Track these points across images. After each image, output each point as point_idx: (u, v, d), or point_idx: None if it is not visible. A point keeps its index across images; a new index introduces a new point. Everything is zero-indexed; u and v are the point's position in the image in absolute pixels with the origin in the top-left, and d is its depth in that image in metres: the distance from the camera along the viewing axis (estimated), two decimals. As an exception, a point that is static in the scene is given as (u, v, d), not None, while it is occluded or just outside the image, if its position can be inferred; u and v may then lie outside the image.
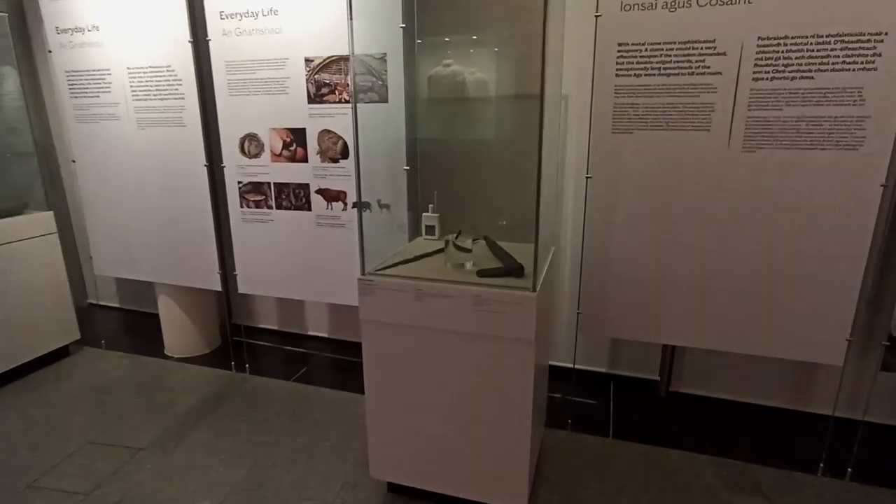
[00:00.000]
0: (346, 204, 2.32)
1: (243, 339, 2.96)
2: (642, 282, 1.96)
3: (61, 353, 2.88)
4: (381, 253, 1.84)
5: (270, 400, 2.48)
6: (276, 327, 3.25)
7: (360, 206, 1.74)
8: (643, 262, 1.94)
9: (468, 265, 1.68)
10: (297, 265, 2.47)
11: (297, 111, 2.29)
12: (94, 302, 3.70)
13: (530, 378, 1.50)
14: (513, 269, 1.57)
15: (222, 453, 2.09)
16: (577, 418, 2.30)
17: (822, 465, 1.98)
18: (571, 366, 2.46)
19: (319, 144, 2.29)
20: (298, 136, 2.31)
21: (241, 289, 2.60)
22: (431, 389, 1.62)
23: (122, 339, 3.20)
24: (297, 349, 3.03)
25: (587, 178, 1.95)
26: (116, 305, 3.67)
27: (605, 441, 2.17)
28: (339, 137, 2.25)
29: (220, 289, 2.63)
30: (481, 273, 1.59)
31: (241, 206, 2.49)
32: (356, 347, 2.39)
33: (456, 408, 1.61)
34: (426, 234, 2.06)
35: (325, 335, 3.15)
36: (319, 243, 2.40)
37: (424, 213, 2.05)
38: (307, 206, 2.38)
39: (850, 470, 1.96)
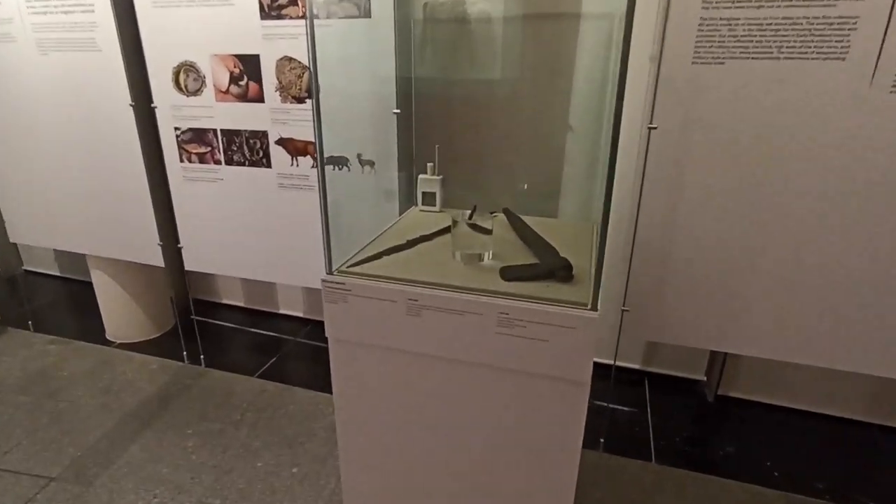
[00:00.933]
0: (316, 159, 1.76)
1: (201, 319, 2.45)
2: (717, 275, 1.44)
3: (-26, 339, 2.37)
4: (360, 234, 1.30)
5: (228, 404, 2.00)
6: (241, 303, 2.74)
7: (323, 162, 1.19)
8: (721, 249, 1.42)
9: (486, 257, 1.14)
10: (254, 237, 1.92)
11: (248, 31, 1.67)
12: (32, 269, 3.16)
13: (578, 436, 1.00)
14: (557, 269, 1.04)
15: (158, 485, 1.62)
16: (611, 433, 1.84)
17: (929, 507, 1.56)
18: (602, 362, 1.99)
19: (279, 78, 1.69)
20: (250, 65, 1.71)
21: (188, 265, 2.06)
22: (430, 441, 1.12)
23: (56, 317, 2.68)
24: (265, 332, 2.53)
25: (650, 128, 1.38)
26: (56, 274, 3.12)
27: (647, 467, 1.72)
28: (305, 68, 1.66)
29: (162, 264, 2.09)
30: (509, 274, 1.05)
31: (181, 160, 1.91)
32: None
33: (466, 468, 1.12)
34: (423, 203, 1.51)
35: (300, 314, 2.64)
36: (283, 210, 1.85)
37: (421, 176, 1.49)
38: (265, 162, 1.81)
39: (964, 514, 1.53)
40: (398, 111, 1.64)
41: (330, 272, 1.09)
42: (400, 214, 1.52)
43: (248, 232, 1.92)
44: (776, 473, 1.69)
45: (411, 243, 1.24)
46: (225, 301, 2.76)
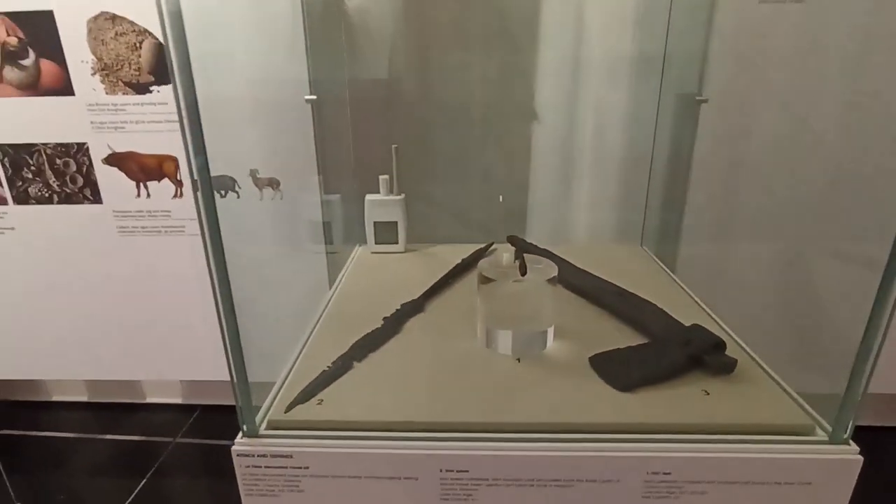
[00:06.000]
0: (178, 184, 1.11)
1: (12, 434, 1.61)
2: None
3: None
4: (274, 311, 0.71)
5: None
6: (84, 398, 1.91)
7: (206, 187, 0.59)
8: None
9: (549, 339, 0.63)
10: (90, 318, 1.20)
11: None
12: None
13: None
14: (705, 353, 0.56)
15: None
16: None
17: None
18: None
19: (96, 51, 1.02)
20: (39, 29, 1.01)
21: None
22: None
23: None
24: (125, 438, 1.75)
25: (699, 100, 0.97)
26: None
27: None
28: (146, 33, 1.01)
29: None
30: (627, 374, 0.55)
31: (-69, 202, 1.13)
32: (228, 413, 1.19)
33: None
34: (377, 240, 0.95)
35: (178, 401, 1.89)
36: (129, 268, 1.16)
37: (370, 196, 0.93)
38: (90, 195, 1.11)
39: None
40: (313, 97, 1.05)
41: (252, 431, 0.50)
42: (336, 265, 0.94)
43: (77, 310, 1.19)
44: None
45: (392, 323, 0.68)
46: (57, 398, 1.90)
